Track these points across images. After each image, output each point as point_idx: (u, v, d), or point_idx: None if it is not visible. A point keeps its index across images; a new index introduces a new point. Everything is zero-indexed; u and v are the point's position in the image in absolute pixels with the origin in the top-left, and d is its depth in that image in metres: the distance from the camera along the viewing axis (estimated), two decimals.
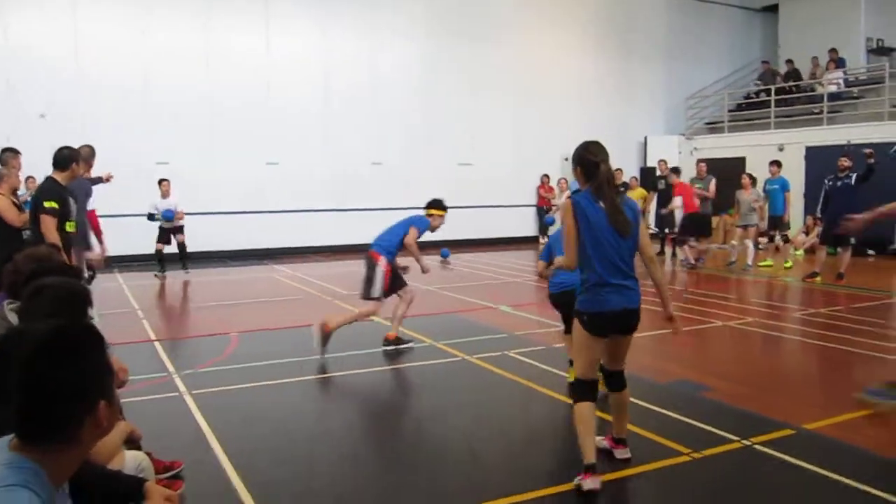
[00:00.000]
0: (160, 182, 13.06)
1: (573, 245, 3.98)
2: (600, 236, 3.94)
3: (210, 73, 15.58)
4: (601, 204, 3.96)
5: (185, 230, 13.38)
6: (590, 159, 4.04)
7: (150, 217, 12.98)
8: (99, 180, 9.13)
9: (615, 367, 4.32)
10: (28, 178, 10.42)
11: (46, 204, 6.05)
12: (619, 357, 4.29)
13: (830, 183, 11.94)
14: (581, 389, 4.08)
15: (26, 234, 6.32)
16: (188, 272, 13.12)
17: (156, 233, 13.20)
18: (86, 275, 8.38)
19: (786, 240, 15.02)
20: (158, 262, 12.99)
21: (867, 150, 11.53)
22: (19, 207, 6.53)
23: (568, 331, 5.65)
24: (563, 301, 5.46)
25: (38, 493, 1.55)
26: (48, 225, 6.03)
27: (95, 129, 13.16)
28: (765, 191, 13.95)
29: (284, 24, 16.42)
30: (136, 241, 14.45)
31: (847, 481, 4.05)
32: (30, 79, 13.91)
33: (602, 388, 4.23)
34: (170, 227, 13.10)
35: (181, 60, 15.31)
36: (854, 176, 11.59)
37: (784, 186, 13.82)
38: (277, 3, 16.36)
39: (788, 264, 13.73)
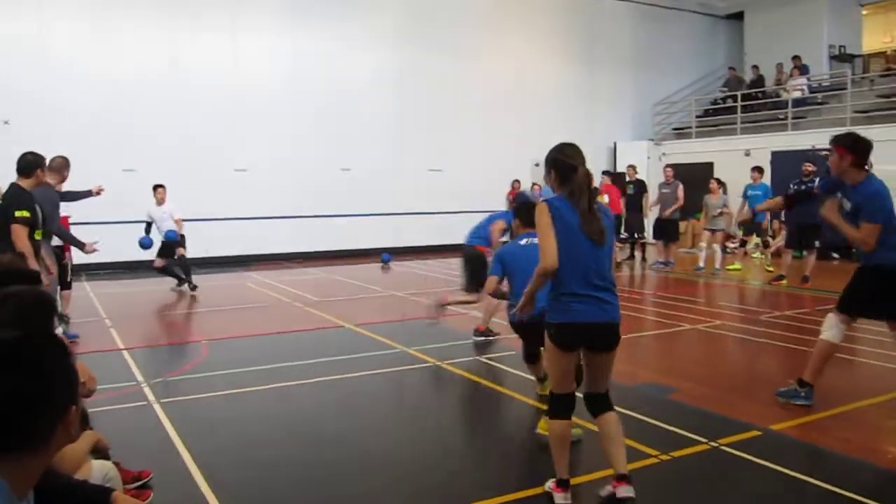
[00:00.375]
0: (155, 188, 12.17)
1: (553, 244, 3.61)
2: (575, 243, 3.65)
3: (177, 80, 15.44)
4: (577, 210, 3.68)
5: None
6: (565, 162, 3.77)
7: (145, 244, 11.76)
8: (88, 194, 8.93)
9: (595, 390, 3.88)
10: None
11: (18, 213, 5.97)
12: (598, 378, 3.86)
13: (795, 187, 12.16)
14: (555, 404, 3.83)
15: None
16: (195, 289, 11.89)
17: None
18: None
19: (766, 245, 15.22)
20: (167, 274, 12.18)
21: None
22: None
23: (529, 358, 5.58)
24: (534, 327, 4.37)
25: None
26: (19, 234, 5.95)
27: (60, 137, 12.99)
28: (745, 196, 13.99)
29: (253, 33, 16.33)
30: (103, 250, 14.23)
31: (814, 482, 4.12)
32: None
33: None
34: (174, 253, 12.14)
35: (148, 68, 15.15)
36: (817, 181, 11.81)
37: (766, 193, 13.74)
38: (245, 11, 16.27)
39: (770, 268, 13.76)
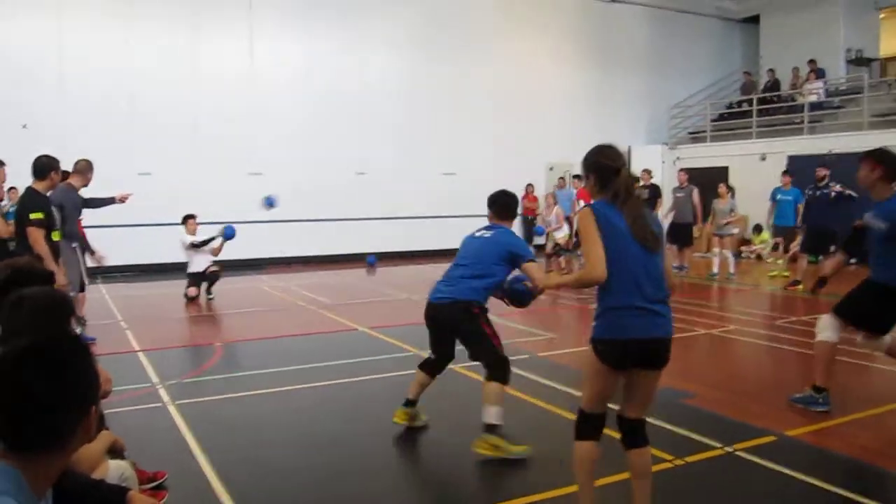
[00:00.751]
0: (185, 220, 11.73)
1: (601, 252, 3.23)
2: (625, 249, 3.27)
3: (194, 83, 15.55)
4: (623, 213, 3.34)
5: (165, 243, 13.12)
6: (607, 165, 3.44)
7: (229, 234, 11.46)
8: (111, 201, 8.73)
9: (635, 414, 3.45)
10: (10, 188, 10.33)
11: (32, 216, 6.05)
12: (644, 400, 3.45)
13: (811, 192, 12.10)
14: (586, 423, 3.44)
15: (12, 245, 6.30)
16: (212, 298, 11.57)
17: (137, 245, 13.00)
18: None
19: (786, 250, 14.36)
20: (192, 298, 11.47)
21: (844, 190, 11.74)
22: (3, 218, 6.52)
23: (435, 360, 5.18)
24: (442, 315, 4.91)
25: (20, 502, 1.56)
26: (35, 236, 6.03)
27: (77, 140, 13.10)
28: (774, 199, 13.59)
29: (268, 36, 16.43)
30: (119, 252, 14.37)
31: (829, 487, 4.09)
32: (11, 89, 13.81)
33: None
34: (204, 269, 11.62)
35: (165, 71, 15.27)
36: (832, 186, 11.78)
37: (797, 198, 13.11)
38: (261, 14, 16.36)
39: (785, 273, 13.37)
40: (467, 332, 4.89)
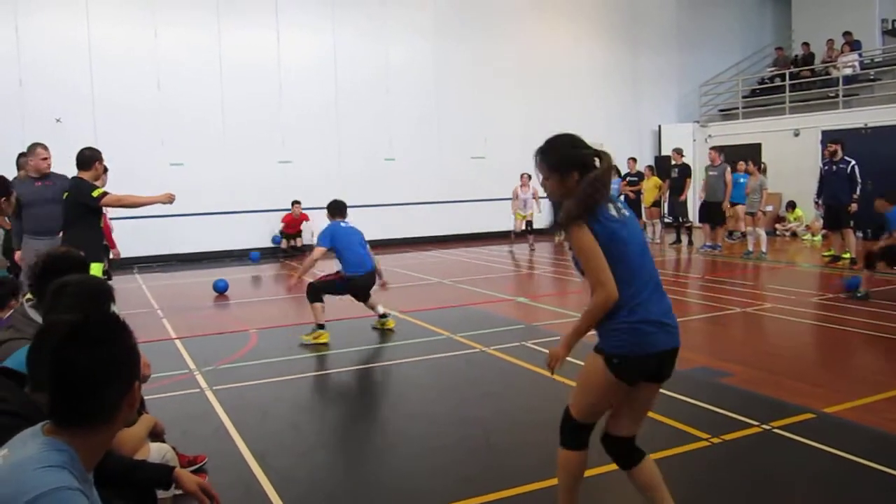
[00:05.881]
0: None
1: (606, 268, 2.87)
2: (631, 250, 2.96)
3: (222, 73, 15.64)
4: (613, 212, 2.99)
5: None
6: (586, 155, 3.05)
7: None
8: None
9: (629, 432, 3.14)
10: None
11: (95, 193, 6.16)
12: (643, 414, 3.18)
13: (826, 167, 12.08)
14: (579, 433, 3.13)
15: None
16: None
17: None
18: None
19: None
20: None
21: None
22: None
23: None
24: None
25: (75, 475, 1.63)
26: (114, 199, 6.29)
27: (110, 133, 13.31)
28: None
29: (294, 23, 16.44)
30: (154, 243, 14.63)
31: (868, 463, 4.04)
32: (43, 84, 14.00)
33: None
34: None
35: (193, 62, 15.36)
36: (847, 160, 11.72)
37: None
38: (287, 2, 16.38)
39: (847, 255, 12.19)
40: None
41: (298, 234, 16.08)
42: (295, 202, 15.67)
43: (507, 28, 18.82)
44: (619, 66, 20.66)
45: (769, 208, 13.85)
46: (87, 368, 1.66)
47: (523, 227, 16.20)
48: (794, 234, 17.03)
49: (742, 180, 14.04)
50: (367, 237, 8.14)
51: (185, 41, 15.32)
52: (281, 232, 15.97)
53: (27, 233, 6.82)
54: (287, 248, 15.86)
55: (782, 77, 19.92)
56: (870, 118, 16.30)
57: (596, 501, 3.79)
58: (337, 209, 8.12)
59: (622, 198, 17.38)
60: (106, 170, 7.15)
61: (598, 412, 3.13)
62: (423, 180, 17.64)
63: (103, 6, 14.64)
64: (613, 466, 3.25)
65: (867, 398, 5.20)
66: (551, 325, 7.98)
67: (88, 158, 6.36)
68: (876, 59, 19.72)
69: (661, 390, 3.21)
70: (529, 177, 15.16)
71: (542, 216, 16.06)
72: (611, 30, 20.59)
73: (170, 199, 6.38)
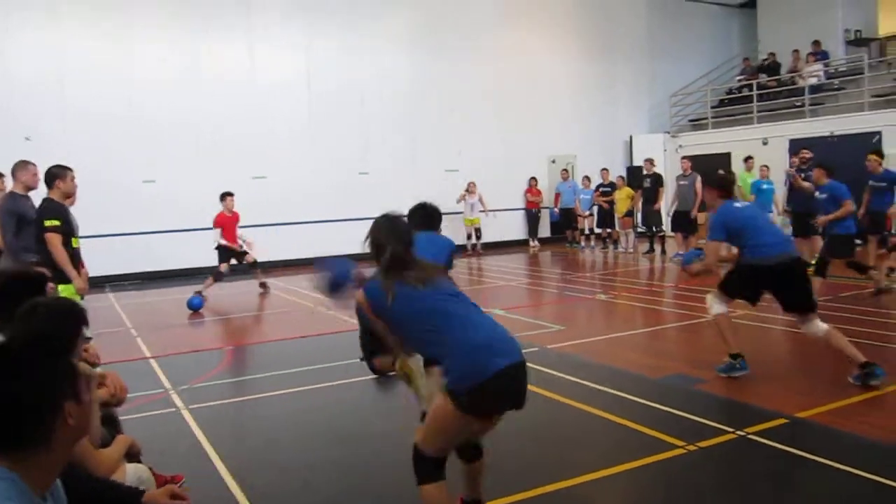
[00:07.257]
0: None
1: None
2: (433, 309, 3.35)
3: (194, 89, 15.56)
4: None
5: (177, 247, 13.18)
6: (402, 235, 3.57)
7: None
8: None
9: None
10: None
11: (47, 223, 6.11)
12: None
13: (794, 174, 12.26)
14: (435, 466, 3.40)
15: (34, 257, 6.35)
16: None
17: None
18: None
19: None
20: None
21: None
22: None
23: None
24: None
25: (17, 501, 1.61)
26: (54, 242, 6.11)
27: (80, 150, 13.15)
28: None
29: (268, 38, 16.43)
30: (127, 261, 14.48)
31: (842, 467, 4.11)
32: (13, 102, 13.83)
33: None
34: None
35: (165, 77, 15.27)
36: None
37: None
38: (260, 17, 16.36)
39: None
40: None
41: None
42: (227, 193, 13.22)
43: (481, 40, 18.94)
44: (591, 77, 20.86)
45: None
46: (5, 395, 1.63)
47: (472, 233, 17.66)
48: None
49: (765, 186, 14.04)
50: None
51: (157, 57, 15.21)
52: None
53: (25, 251, 6.67)
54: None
55: (750, 87, 20.25)
56: (836, 126, 16.61)
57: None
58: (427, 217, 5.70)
59: (596, 207, 17.59)
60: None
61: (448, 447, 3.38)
62: (396, 194, 17.61)
63: (76, 23, 14.52)
64: (606, 472, 3.27)
65: (840, 402, 5.29)
66: (528, 335, 8.00)
67: (51, 177, 6.33)
68: (840, 69, 20.13)
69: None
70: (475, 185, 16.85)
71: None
72: (583, 42, 20.79)
73: (80, 291, 6.20)
